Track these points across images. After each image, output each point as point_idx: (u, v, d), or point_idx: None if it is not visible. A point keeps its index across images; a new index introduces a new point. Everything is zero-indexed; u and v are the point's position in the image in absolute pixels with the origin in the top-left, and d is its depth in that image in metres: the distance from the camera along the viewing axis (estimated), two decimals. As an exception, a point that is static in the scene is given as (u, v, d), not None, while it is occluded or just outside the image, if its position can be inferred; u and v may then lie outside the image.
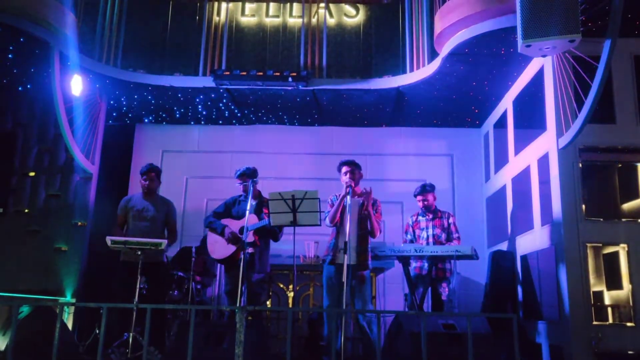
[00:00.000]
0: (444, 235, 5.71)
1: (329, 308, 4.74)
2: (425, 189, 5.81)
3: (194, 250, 6.21)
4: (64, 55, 5.88)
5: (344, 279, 4.36)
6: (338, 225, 4.85)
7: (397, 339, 4.66)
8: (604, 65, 4.41)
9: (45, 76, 6.28)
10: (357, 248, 4.78)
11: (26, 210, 6.69)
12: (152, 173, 5.46)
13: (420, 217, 5.87)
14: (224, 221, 5.29)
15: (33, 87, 6.75)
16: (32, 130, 6.92)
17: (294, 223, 4.79)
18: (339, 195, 4.93)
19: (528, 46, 4.37)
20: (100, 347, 3.65)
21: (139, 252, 4.83)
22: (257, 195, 5.32)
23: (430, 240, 5.70)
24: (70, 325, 6.16)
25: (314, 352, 5.45)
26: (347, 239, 4.47)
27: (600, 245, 5.03)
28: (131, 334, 4.70)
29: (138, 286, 4.80)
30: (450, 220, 5.78)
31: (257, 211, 5.22)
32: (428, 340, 3.65)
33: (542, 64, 5.50)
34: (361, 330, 4.78)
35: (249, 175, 5.37)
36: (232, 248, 5.13)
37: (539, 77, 5.61)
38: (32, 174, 6.81)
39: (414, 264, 5.69)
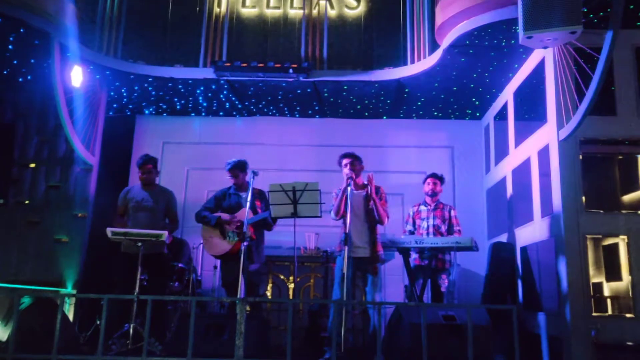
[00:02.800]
0: (443, 227, 5.73)
1: (334, 299, 4.77)
2: (437, 176, 5.90)
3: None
4: (64, 46, 5.86)
5: (344, 270, 4.40)
6: (345, 218, 4.87)
7: (397, 330, 4.68)
8: (605, 57, 4.39)
9: (45, 67, 6.26)
10: (369, 240, 4.80)
11: (26, 202, 6.70)
12: (149, 165, 5.44)
13: (422, 207, 5.89)
14: (217, 214, 5.29)
15: (33, 78, 6.73)
16: (32, 122, 6.91)
17: (294, 215, 4.80)
18: (342, 188, 4.95)
19: (529, 38, 4.36)
20: (101, 338, 3.67)
21: (139, 244, 4.84)
22: (246, 188, 5.24)
23: (431, 230, 5.72)
24: (71, 317, 6.18)
25: (315, 343, 5.47)
26: (347, 231, 4.50)
27: (600, 237, 5.03)
28: (132, 325, 4.71)
29: (138, 277, 4.81)
30: (452, 213, 5.80)
31: (251, 204, 5.21)
32: (428, 332, 3.67)
33: (543, 56, 5.48)
34: (367, 320, 4.81)
35: (240, 168, 5.38)
36: (230, 242, 5.14)
37: (539, 68, 5.59)
38: (32, 165, 6.80)
39: (413, 255, 5.71)
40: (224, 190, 5.47)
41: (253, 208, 5.17)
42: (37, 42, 5.85)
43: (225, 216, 5.24)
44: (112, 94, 7.16)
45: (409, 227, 5.92)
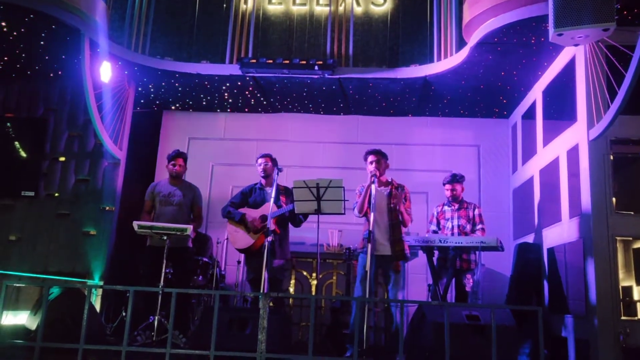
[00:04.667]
0: (469, 226, 5.65)
1: (356, 296, 4.76)
2: (456, 179, 5.76)
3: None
4: (94, 42, 5.97)
5: (367, 267, 4.39)
6: (368, 216, 4.86)
7: (420, 329, 4.65)
8: None
9: (76, 63, 6.38)
10: (390, 238, 4.78)
11: (56, 194, 6.84)
12: (180, 159, 5.55)
13: (445, 207, 5.82)
14: (242, 210, 5.34)
15: (64, 74, 6.87)
16: (63, 116, 7.06)
17: (318, 211, 4.81)
18: (366, 185, 4.94)
19: (560, 35, 4.27)
20: (127, 329, 3.72)
21: (165, 237, 4.90)
22: (272, 184, 5.30)
23: (455, 230, 5.65)
24: (97, 308, 6.29)
25: (336, 339, 5.47)
26: (371, 228, 4.49)
27: (630, 239, 4.92)
28: (156, 317, 4.78)
29: (164, 270, 4.87)
30: (476, 211, 5.72)
31: (275, 199, 5.24)
32: (451, 331, 3.64)
33: (573, 54, 5.38)
34: (389, 318, 4.80)
35: (272, 159, 5.43)
36: (253, 237, 5.18)
37: (570, 66, 5.48)
38: (62, 158, 6.94)
39: (437, 254, 5.65)
40: (251, 186, 5.53)
41: (277, 203, 5.21)
42: (68, 38, 5.95)
43: (250, 213, 5.28)
44: (139, 89, 7.26)
45: (433, 227, 5.85)
